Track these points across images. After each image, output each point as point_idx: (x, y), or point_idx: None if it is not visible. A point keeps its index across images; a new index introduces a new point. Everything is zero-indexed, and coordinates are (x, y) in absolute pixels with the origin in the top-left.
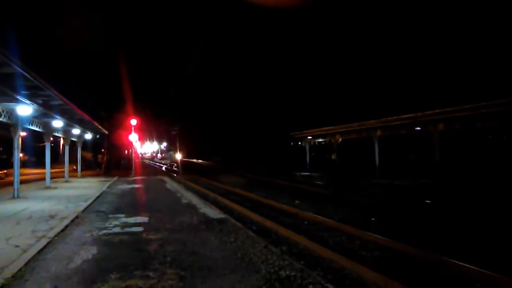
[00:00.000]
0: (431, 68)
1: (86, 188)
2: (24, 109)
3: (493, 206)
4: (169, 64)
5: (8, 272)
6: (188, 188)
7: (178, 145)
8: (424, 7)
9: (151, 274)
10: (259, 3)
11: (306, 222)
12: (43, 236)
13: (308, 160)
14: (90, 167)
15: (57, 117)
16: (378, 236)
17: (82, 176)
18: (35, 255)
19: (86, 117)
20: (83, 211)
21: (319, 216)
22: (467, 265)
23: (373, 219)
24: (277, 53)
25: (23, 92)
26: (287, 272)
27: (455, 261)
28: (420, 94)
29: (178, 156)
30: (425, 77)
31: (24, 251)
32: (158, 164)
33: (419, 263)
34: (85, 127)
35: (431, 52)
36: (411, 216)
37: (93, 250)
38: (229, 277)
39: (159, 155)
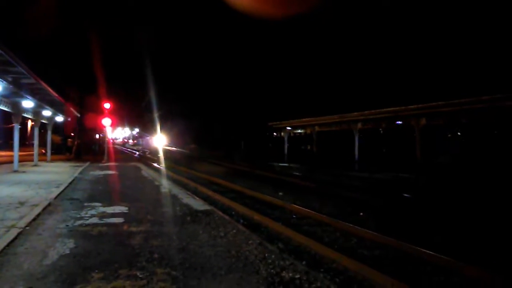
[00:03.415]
0: (415, 61)
1: (57, 173)
2: None
3: (469, 201)
4: (145, 47)
5: None
6: (166, 176)
7: (151, 131)
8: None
9: (138, 273)
10: None
11: (294, 216)
12: (13, 226)
13: (286, 151)
14: (60, 151)
15: (28, 97)
16: (375, 233)
17: (52, 160)
18: (4, 249)
19: (58, 98)
20: (56, 198)
21: (307, 210)
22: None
23: (361, 214)
24: (258, 41)
25: None
26: (291, 274)
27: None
28: (403, 88)
29: (151, 142)
30: (409, 70)
31: None
32: (130, 150)
33: (424, 264)
34: (56, 109)
35: (415, 44)
36: (396, 210)
37: (70, 243)
38: (227, 278)
39: (130, 140)
